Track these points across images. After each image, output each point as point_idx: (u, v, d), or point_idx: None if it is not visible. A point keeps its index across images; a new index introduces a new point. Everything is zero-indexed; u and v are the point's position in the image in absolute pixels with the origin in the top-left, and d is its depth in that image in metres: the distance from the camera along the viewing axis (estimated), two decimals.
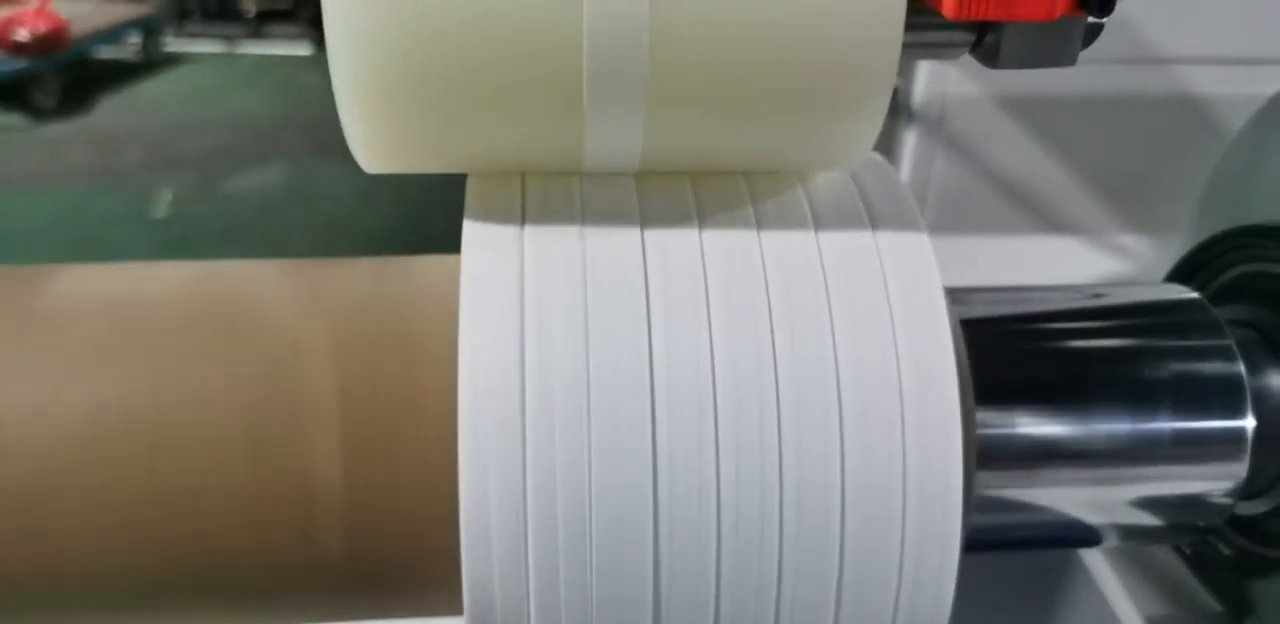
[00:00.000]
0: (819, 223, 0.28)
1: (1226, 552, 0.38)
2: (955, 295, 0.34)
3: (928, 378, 0.27)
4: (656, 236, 0.27)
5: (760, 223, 0.28)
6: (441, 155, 0.27)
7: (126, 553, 0.28)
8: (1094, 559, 0.42)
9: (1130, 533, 0.37)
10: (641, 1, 0.23)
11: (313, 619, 0.31)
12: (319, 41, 5.50)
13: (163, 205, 3.66)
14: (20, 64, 4.45)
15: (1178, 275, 0.41)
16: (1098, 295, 0.37)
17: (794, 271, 0.27)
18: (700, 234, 0.28)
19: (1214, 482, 0.35)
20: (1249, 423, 0.34)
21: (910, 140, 0.55)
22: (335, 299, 0.31)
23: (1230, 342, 0.34)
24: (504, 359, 0.26)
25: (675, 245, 0.27)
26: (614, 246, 0.27)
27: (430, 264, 0.33)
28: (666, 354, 0.26)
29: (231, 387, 0.28)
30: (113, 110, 4.71)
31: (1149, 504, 0.36)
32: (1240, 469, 0.35)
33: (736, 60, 0.24)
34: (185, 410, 0.28)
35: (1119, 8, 0.25)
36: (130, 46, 5.31)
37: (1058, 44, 0.27)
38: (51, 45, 4.51)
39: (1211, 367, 0.34)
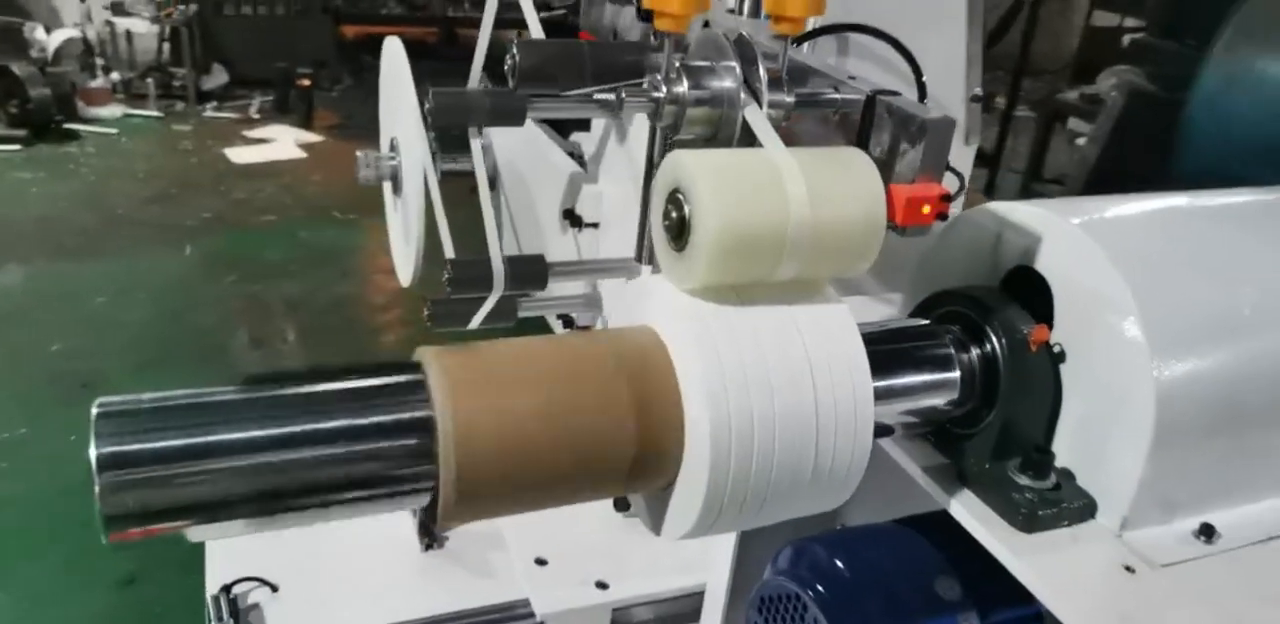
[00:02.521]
0: (799, 311, 0.73)
1: (951, 433, 0.86)
2: None
3: (853, 363, 0.72)
4: (773, 304, 0.71)
5: (793, 304, 0.73)
6: (720, 277, 0.69)
7: (555, 461, 0.68)
8: (889, 445, 0.89)
9: (905, 428, 0.84)
10: (808, 228, 0.68)
11: (615, 493, 0.72)
12: (25, 141, 5.28)
13: None
14: None
15: (917, 312, 0.90)
16: (886, 324, 0.85)
17: (807, 326, 0.72)
18: (787, 311, 0.72)
19: (943, 400, 0.83)
20: (956, 375, 0.82)
21: None
22: (626, 352, 0.71)
23: (946, 340, 0.83)
24: (712, 370, 0.68)
25: (766, 320, 0.71)
26: (740, 318, 0.71)
27: (641, 333, 0.74)
28: (771, 367, 0.69)
29: (590, 388, 0.69)
30: None
31: (913, 412, 0.83)
32: (953, 395, 0.83)
33: (834, 247, 0.69)
34: (578, 401, 0.68)
35: None
36: None
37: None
38: None
39: (937, 352, 0.82)
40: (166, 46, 6.84)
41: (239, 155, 5.57)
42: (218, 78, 6.84)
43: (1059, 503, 0.79)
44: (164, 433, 0.61)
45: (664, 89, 0.79)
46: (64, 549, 2.43)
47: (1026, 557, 0.76)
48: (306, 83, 6.47)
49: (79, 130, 5.85)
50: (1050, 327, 0.84)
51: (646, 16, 1.08)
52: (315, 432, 0.64)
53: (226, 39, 7.04)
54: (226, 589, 1.28)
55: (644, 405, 0.70)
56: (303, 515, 0.65)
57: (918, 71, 0.86)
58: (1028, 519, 0.78)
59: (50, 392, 3.11)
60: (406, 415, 0.66)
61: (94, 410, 0.61)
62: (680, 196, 0.68)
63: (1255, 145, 3.02)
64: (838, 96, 0.79)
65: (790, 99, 0.77)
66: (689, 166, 0.68)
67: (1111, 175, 3.46)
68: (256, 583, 1.32)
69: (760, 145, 0.72)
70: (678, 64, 0.79)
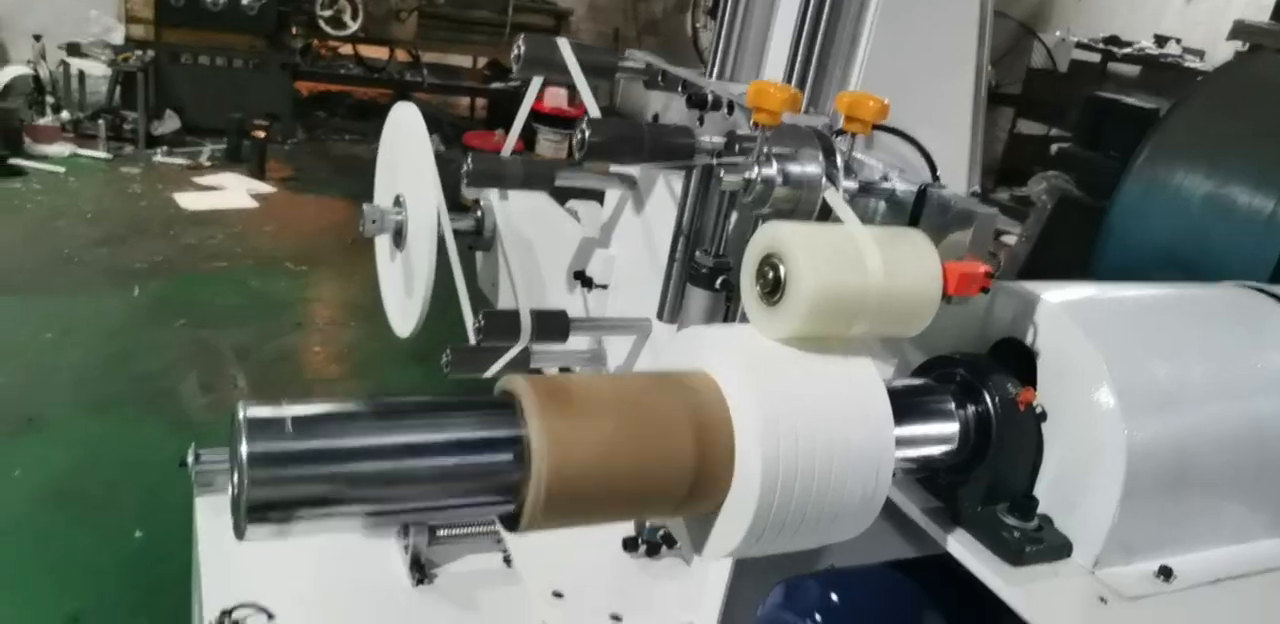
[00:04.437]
0: (835, 362, 0.85)
1: (944, 479, 0.98)
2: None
3: (880, 410, 0.84)
4: (814, 357, 0.83)
5: (830, 355, 0.85)
6: (805, 330, 0.81)
7: (625, 481, 0.77)
8: (894, 492, 1.00)
9: (904, 473, 0.95)
10: (881, 294, 0.80)
11: (668, 514, 0.82)
12: None
13: None
14: None
15: (917, 372, 1.03)
16: (901, 381, 0.97)
17: (842, 376, 0.84)
18: (824, 361, 0.83)
19: (942, 449, 0.95)
20: (956, 427, 0.95)
21: None
22: (687, 391, 0.82)
23: (949, 396, 0.95)
24: (766, 409, 0.79)
25: (809, 368, 0.83)
26: (789, 366, 0.82)
27: (696, 374, 0.85)
28: (813, 408, 0.81)
29: (657, 419, 0.79)
30: None
31: (914, 459, 0.95)
32: (952, 446, 0.95)
33: (897, 312, 0.81)
34: (647, 429, 0.78)
35: None
36: None
37: None
38: None
39: (941, 407, 0.95)
40: (119, 89, 6.86)
41: (189, 201, 5.58)
42: (169, 124, 6.86)
43: (1042, 542, 0.91)
44: (303, 437, 0.70)
45: (756, 170, 0.93)
46: (8, 585, 2.38)
47: (1016, 586, 0.87)
48: (261, 134, 6.53)
49: (25, 167, 5.80)
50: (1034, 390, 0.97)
51: (698, 104, 1.22)
52: (430, 443, 0.74)
53: (181, 86, 7.09)
54: (228, 613, 1.32)
55: (701, 436, 0.80)
56: (408, 515, 0.74)
57: (934, 169, 1.00)
58: (1016, 554, 0.90)
59: None
60: (503, 433, 0.76)
61: (241, 414, 0.69)
62: (776, 259, 0.81)
63: (1167, 251, 3.28)
64: (891, 185, 0.93)
65: (855, 185, 0.91)
66: (788, 235, 0.81)
67: (1041, 270, 3.71)
68: (253, 610, 1.36)
69: (834, 220, 0.85)
70: (767, 151, 0.93)
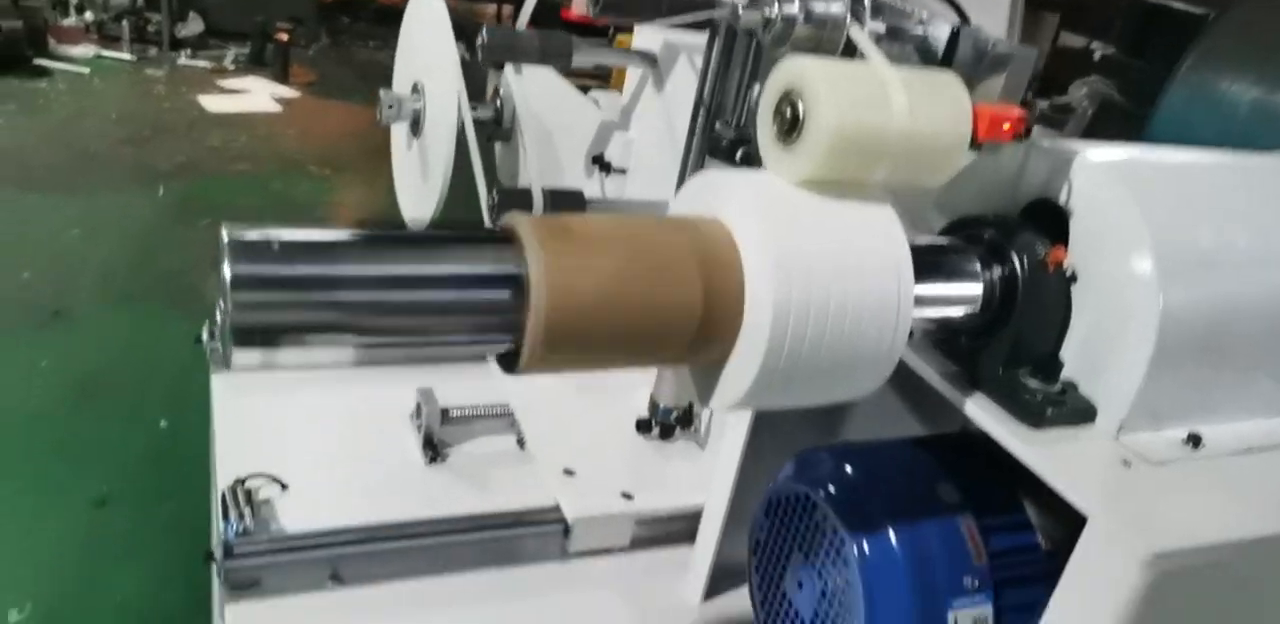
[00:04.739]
0: (855, 207, 0.81)
1: (964, 343, 0.94)
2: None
3: (899, 256, 0.80)
4: (831, 203, 0.78)
5: (850, 201, 0.80)
6: (824, 173, 0.76)
7: (629, 322, 0.74)
8: (906, 354, 0.96)
9: (923, 334, 0.91)
10: (906, 136, 0.75)
11: (675, 361, 0.78)
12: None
13: None
14: None
15: (942, 233, 0.98)
16: (924, 238, 0.92)
17: (861, 222, 0.79)
18: (842, 205, 0.79)
19: (964, 310, 0.91)
20: (980, 287, 0.90)
21: None
22: (696, 235, 0.78)
23: (975, 256, 0.90)
24: (779, 251, 0.75)
25: (828, 213, 0.78)
26: (806, 210, 0.77)
27: (706, 219, 0.80)
28: (829, 254, 0.76)
29: (663, 258, 0.75)
30: None
31: (934, 320, 0.90)
32: (974, 307, 0.91)
33: (923, 156, 0.76)
34: (653, 269, 0.74)
35: None
36: None
37: None
38: None
39: (965, 266, 0.90)
40: None
41: (213, 104, 5.52)
42: (193, 26, 6.75)
43: (1064, 404, 0.87)
44: (291, 261, 0.67)
45: (777, 7, 0.87)
46: (36, 472, 2.43)
47: (1036, 447, 0.84)
48: (285, 37, 6.42)
49: (50, 67, 5.75)
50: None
51: None
52: (424, 275, 0.70)
53: None
54: (241, 481, 1.32)
55: (709, 277, 0.77)
56: (401, 348, 0.71)
57: (965, 21, 0.94)
58: (1037, 416, 0.86)
59: (20, 316, 3.10)
60: (502, 269, 0.72)
61: (224, 237, 0.66)
62: (795, 95, 0.76)
63: None
64: (921, 29, 0.87)
65: (882, 28, 0.86)
66: (810, 69, 0.75)
67: None
68: (267, 480, 1.36)
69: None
70: None
